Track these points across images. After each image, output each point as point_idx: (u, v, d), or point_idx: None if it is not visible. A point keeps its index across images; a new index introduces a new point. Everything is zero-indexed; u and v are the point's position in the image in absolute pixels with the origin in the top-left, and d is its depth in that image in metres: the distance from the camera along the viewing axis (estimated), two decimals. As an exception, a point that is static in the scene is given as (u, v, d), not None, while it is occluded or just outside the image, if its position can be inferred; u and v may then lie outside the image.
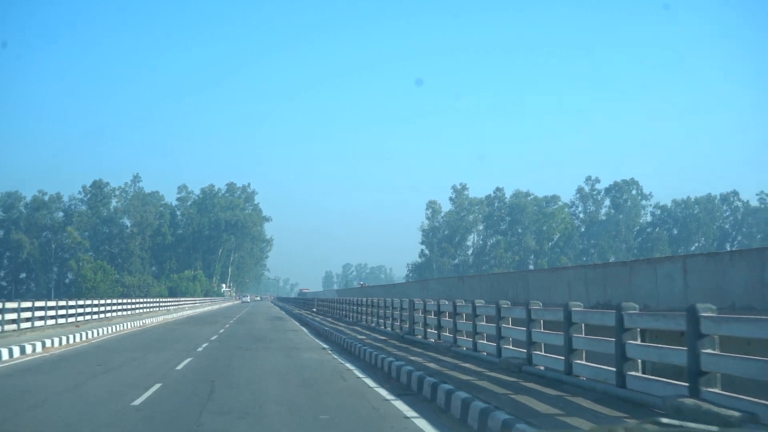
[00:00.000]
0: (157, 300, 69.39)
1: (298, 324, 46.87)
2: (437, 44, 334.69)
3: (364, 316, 35.65)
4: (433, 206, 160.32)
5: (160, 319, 51.80)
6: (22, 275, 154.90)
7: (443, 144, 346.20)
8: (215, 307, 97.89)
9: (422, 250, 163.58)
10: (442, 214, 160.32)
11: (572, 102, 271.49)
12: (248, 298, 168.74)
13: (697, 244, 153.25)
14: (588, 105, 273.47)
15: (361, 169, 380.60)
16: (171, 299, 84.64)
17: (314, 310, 64.11)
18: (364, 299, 36.89)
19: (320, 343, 28.49)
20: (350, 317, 40.86)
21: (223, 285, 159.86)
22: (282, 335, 34.60)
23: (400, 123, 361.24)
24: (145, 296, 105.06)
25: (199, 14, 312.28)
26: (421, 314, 22.28)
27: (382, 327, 29.25)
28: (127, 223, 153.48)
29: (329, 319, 44.66)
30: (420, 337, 22.10)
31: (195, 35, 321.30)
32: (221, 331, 36.77)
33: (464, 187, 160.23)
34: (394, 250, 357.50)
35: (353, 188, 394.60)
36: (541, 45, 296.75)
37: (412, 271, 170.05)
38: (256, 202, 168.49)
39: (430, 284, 37.71)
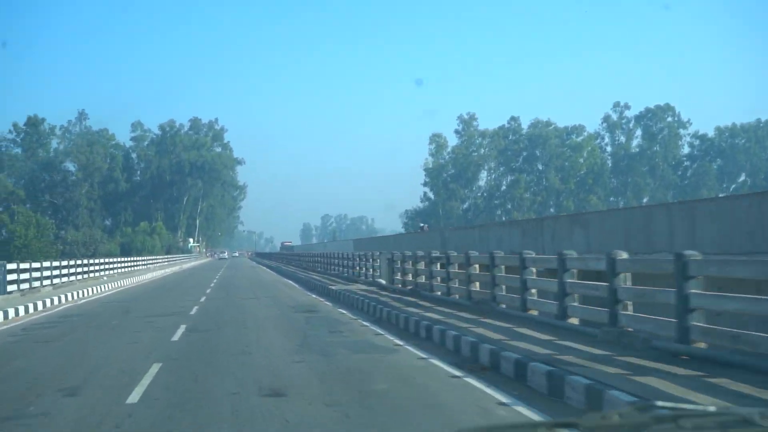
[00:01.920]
0: (100, 261, 50.16)
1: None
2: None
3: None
4: (437, 140, 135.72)
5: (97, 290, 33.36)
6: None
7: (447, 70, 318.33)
8: (184, 266, 73.91)
9: (425, 193, 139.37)
10: (448, 150, 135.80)
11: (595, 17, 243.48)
12: (226, 254, 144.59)
13: (744, 179, 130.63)
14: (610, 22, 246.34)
15: (340, 111, 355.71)
16: (123, 259, 61.61)
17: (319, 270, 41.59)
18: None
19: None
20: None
21: (191, 240, 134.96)
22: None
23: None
24: (92, 255, 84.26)
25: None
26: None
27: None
28: (71, 167, 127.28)
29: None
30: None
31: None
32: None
33: (473, 118, 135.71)
34: (375, 199, 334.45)
35: (331, 131, 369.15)
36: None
37: (412, 218, 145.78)
38: (225, 141, 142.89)
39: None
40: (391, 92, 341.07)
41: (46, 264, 34.31)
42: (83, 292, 29.68)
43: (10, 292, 26.51)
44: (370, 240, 55.78)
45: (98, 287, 32.85)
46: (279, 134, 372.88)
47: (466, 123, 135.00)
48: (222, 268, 65.05)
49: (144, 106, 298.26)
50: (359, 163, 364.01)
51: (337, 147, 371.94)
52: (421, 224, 52.26)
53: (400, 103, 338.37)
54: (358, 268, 29.85)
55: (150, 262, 70.17)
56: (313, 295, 26.77)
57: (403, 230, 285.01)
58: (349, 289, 24.04)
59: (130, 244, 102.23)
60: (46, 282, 31.85)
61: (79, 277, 37.95)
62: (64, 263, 38.29)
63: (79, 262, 41.97)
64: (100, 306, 24.34)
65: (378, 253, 25.81)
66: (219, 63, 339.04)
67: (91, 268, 42.57)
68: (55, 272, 34.14)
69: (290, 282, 39.16)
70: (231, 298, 26.42)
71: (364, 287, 24.55)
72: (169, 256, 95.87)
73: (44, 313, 22.21)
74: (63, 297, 26.58)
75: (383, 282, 23.83)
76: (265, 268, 65.79)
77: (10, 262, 31.36)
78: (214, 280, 41.34)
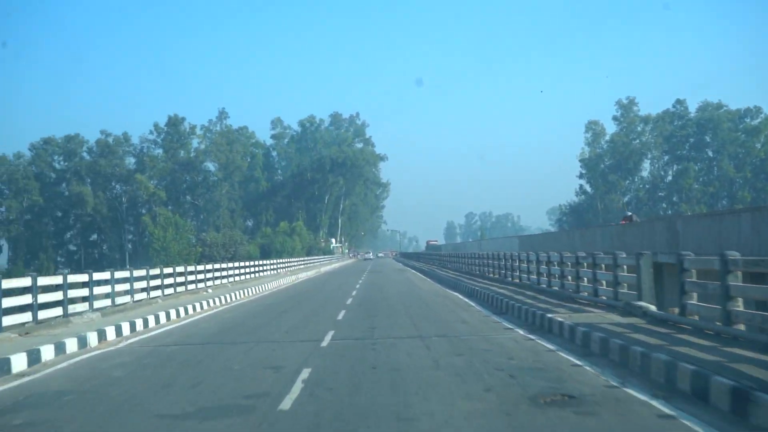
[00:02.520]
0: (236, 265, 45.62)
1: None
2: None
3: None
4: (593, 128, 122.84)
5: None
6: (93, 236, 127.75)
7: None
8: (323, 269, 66.51)
9: (581, 186, 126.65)
10: (606, 138, 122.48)
11: None
12: (371, 255, 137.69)
13: None
14: None
15: (486, 105, 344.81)
16: (249, 264, 54.43)
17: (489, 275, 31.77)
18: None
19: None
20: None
21: (333, 240, 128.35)
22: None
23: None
24: (232, 258, 79.58)
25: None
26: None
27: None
28: (212, 167, 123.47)
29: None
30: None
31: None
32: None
33: (632, 102, 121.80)
34: (521, 195, 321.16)
35: (476, 127, 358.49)
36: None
37: (567, 214, 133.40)
38: (367, 136, 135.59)
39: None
40: (537, 78, 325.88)
41: (154, 272, 26.78)
42: (176, 312, 21.20)
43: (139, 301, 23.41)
44: (545, 236, 45.44)
45: (202, 303, 24.33)
46: (420, 129, 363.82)
47: (626, 108, 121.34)
48: (365, 272, 56.46)
49: (283, 102, 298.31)
50: (505, 158, 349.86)
51: (481, 141, 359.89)
52: (628, 212, 41.36)
53: (547, 90, 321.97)
54: (563, 277, 19.59)
55: (284, 265, 62.72)
56: (530, 336, 14.51)
57: (551, 227, 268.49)
58: (596, 321, 13.68)
59: (269, 246, 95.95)
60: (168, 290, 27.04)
61: (189, 287, 30.13)
62: (180, 269, 30.72)
63: (191, 268, 34.17)
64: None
65: (624, 255, 15.20)
66: (359, 55, 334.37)
67: (207, 276, 34.67)
68: (168, 281, 27.66)
69: (458, 296, 28.00)
70: (375, 338, 14.82)
71: (618, 318, 14.01)
72: (308, 257, 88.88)
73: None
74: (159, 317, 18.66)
75: (652, 308, 13.40)
76: (414, 271, 56.76)
77: (142, 267, 27.66)
78: (353, 293, 31.68)
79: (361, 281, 42.86)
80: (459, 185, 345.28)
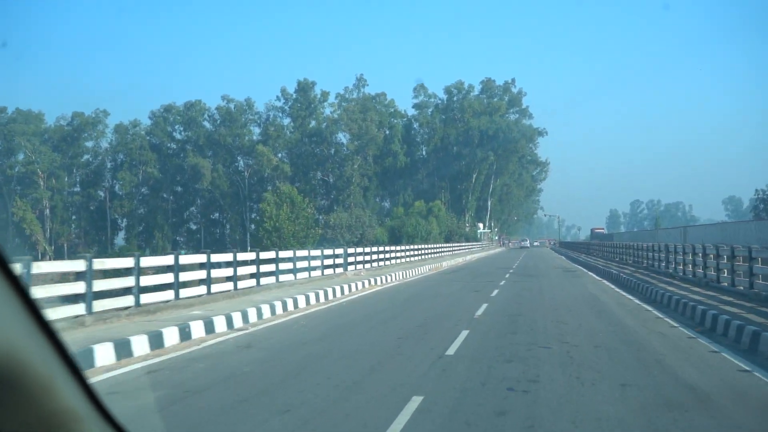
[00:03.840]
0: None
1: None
2: None
3: None
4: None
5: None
6: (215, 215, 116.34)
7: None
8: (453, 261, 49.01)
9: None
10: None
11: None
12: (527, 242, 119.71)
13: None
14: None
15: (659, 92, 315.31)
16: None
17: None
18: None
19: None
20: None
21: (480, 225, 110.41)
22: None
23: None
24: (359, 243, 73.29)
25: None
26: None
27: None
28: (343, 139, 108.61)
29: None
30: None
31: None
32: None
33: None
34: (695, 183, 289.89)
35: (639, 104, 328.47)
36: None
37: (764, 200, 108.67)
38: (524, 107, 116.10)
39: None
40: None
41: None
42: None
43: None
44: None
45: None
46: (583, 103, 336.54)
47: None
48: (511, 268, 39.05)
49: (428, 69, 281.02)
50: (676, 144, 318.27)
51: (649, 122, 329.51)
52: None
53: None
54: None
55: (401, 253, 45.92)
56: None
57: (727, 218, 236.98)
58: None
59: (400, 229, 79.68)
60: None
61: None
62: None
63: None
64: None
65: None
66: (514, 17, 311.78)
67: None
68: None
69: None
70: None
71: None
72: (446, 245, 71.73)
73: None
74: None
75: None
76: (582, 268, 38.74)
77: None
78: (478, 312, 15.68)
79: (500, 284, 26.05)
80: (624, 170, 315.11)
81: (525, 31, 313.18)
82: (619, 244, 48.47)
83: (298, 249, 32.25)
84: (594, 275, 32.76)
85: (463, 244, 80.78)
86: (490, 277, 32.12)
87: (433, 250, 58.58)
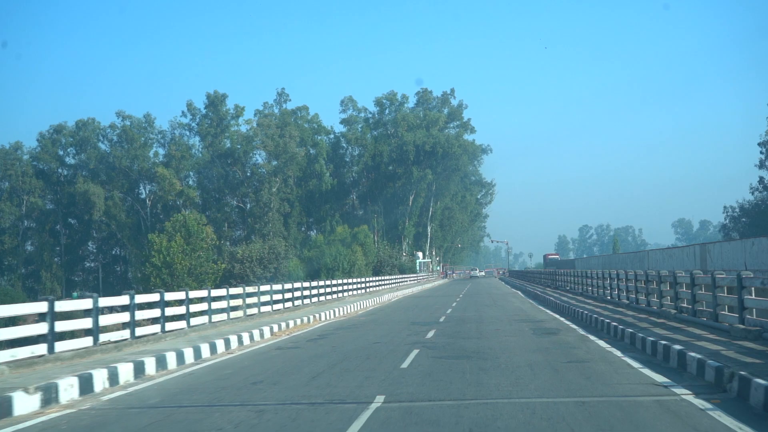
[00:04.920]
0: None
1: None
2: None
3: None
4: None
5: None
6: (115, 250, 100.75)
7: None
8: (359, 306, 34.19)
9: (761, 179, 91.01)
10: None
11: None
12: (478, 271, 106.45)
13: None
14: None
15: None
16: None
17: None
18: None
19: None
20: None
21: (419, 254, 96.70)
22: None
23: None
24: (273, 278, 60.20)
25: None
26: None
27: None
28: (260, 159, 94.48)
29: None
30: None
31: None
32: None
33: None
34: (644, 206, 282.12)
35: (586, 125, 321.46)
36: None
37: (736, 219, 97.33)
38: (465, 120, 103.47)
39: None
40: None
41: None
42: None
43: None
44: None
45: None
46: (525, 125, 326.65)
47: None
48: (438, 320, 24.16)
49: (358, 84, 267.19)
50: (624, 168, 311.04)
51: (598, 144, 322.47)
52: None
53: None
54: None
55: (297, 293, 31.30)
56: None
57: (678, 242, 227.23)
58: None
59: (317, 260, 65.64)
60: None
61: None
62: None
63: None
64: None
65: None
66: (451, 24, 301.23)
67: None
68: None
69: None
70: None
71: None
72: (376, 278, 57.67)
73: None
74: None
75: None
76: (558, 316, 24.40)
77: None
78: None
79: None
80: (571, 195, 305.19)
81: (463, 39, 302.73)
82: (594, 273, 34.97)
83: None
84: (597, 340, 17.61)
85: (396, 276, 66.99)
86: (382, 347, 17.28)
87: (354, 286, 44.88)
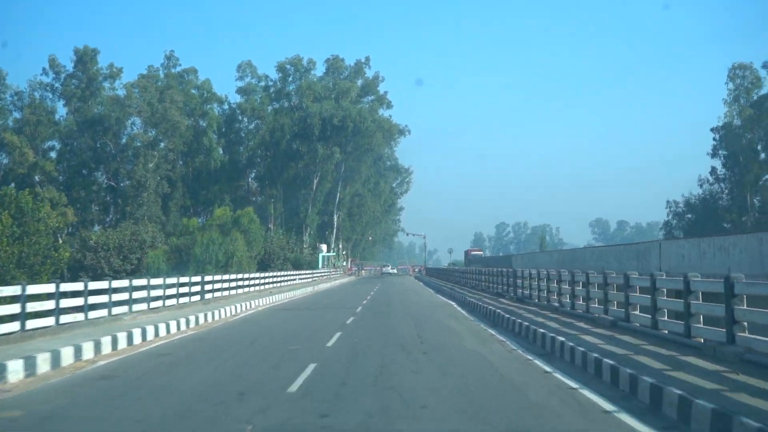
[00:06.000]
0: None
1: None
2: None
3: None
4: (741, 74, 76.98)
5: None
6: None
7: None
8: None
9: (713, 169, 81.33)
10: (763, 91, 76.93)
11: None
12: (390, 269, 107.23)
13: None
14: None
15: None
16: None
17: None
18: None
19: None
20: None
21: (323, 246, 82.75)
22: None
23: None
24: (134, 272, 50.60)
25: None
26: None
27: None
28: (137, 127, 78.92)
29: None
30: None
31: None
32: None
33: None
34: (561, 205, 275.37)
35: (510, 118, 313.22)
36: None
37: (680, 215, 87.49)
38: (381, 93, 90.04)
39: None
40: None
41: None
42: None
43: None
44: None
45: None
46: (443, 112, 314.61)
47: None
48: (315, 363, 11.35)
49: (257, 50, 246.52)
50: (542, 164, 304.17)
51: (517, 140, 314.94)
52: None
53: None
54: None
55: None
56: None
57: (594, 241, 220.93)
58: None
59: (187, 250, 51.27)
60: None
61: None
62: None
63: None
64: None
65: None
66: None
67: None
68: None
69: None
70: None
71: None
72: (260, 274, 43.59)
73: None
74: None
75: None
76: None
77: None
78: None
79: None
80: (488, 191, 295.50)
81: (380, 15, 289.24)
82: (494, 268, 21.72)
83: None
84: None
85: (290, 273, 53.15)
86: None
87: (228, 284, 31.19)
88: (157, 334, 17.75)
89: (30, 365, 11.96)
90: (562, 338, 13.60)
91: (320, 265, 75.47)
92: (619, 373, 10.06)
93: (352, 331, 18.91)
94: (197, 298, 27.86)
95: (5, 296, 16.93)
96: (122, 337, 15.88)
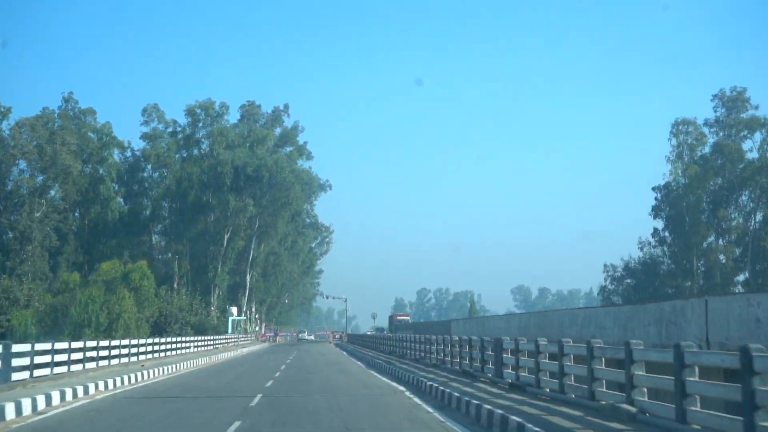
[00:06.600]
0: None
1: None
2: None
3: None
4: (685, 130, 73.47)
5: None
6: None
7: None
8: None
9: (655, 230, 76.99)
10: (706, 149, 73.36)
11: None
12: (306, 334, 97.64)
13: None
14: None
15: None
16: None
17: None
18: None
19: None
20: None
21: (234, 309, 74.24)
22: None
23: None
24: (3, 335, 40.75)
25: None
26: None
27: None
28: (22, 167, 69.98)
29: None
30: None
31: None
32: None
33: (741, 95, 72.90)
34: (482, 271, 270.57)
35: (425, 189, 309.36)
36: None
37: (618, 280, 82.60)
38: (301, 143, 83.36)
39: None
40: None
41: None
42: None
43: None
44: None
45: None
46: (364, 170, 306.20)
47: (731, 103, 72.44)
48: None
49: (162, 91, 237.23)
50: (463, 233, 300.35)
51: (435, 207, 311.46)
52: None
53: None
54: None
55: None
56: None
57: (515, 309, 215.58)
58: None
59: (65, 310, 42.61)
60: None
61: None
62: None
63: None
64: None
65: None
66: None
67: None
68: None
69: None
70: None
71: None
72: (150, 340, 35.14)
73: None
74: None
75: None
76: None
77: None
78: None
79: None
80: (408, 257, 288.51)
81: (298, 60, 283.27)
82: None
83: None
84: None
85: (181, 339, 44.77)
86: None
87: (65, 355, 23.04)
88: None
89: None
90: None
91: (229, 330, 67.03)
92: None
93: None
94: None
95: None
96: None
